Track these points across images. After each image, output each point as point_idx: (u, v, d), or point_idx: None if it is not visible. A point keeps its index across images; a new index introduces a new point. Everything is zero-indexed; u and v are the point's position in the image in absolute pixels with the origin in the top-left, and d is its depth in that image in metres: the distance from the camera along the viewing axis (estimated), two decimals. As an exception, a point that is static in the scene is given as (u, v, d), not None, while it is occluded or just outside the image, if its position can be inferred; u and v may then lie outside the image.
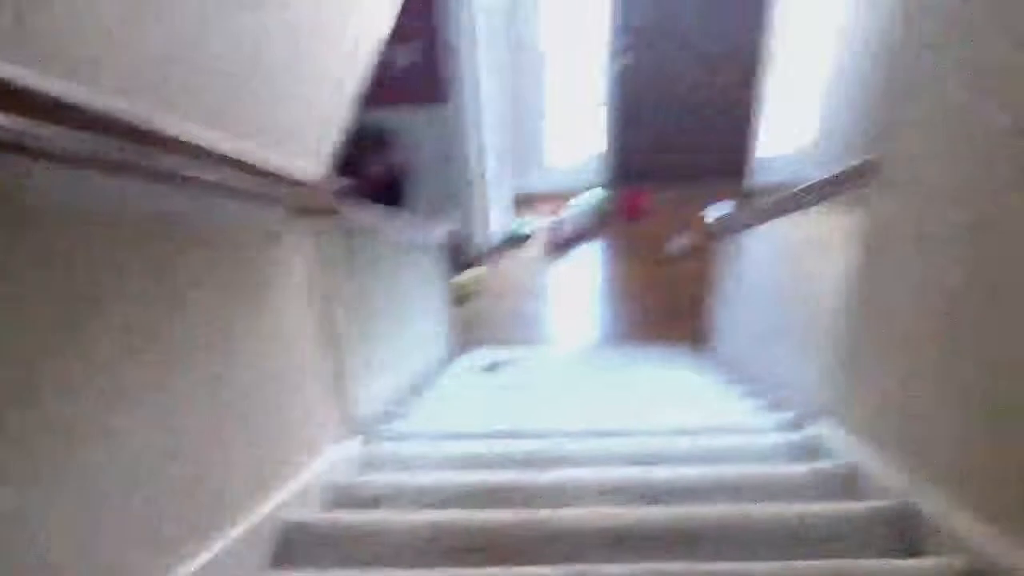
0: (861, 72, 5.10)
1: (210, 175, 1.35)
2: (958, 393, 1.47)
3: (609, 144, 7.55)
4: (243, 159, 1.46)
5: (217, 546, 1.44)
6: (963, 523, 1.42)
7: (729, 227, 4.06)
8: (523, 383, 3.74)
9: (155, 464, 1.26)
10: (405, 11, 4.81)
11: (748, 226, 3.61)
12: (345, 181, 2.14)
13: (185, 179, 1.29)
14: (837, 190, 2.27)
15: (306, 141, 2.03)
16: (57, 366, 1.02)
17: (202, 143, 1.28)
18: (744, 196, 6.81)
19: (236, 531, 1.52)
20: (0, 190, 0.92)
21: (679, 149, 7.50)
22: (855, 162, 2.04)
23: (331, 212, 2.15)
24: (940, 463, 1.54)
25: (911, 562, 1.41)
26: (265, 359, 1.74)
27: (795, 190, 2.71)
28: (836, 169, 2.21)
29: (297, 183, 1.81)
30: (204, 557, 1.38)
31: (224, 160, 1.38)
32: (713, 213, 4.40)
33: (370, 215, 2.71)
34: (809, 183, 2.55)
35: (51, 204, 1.01)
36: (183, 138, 1.22)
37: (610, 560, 1.51)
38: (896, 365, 1.76)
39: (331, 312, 2.17)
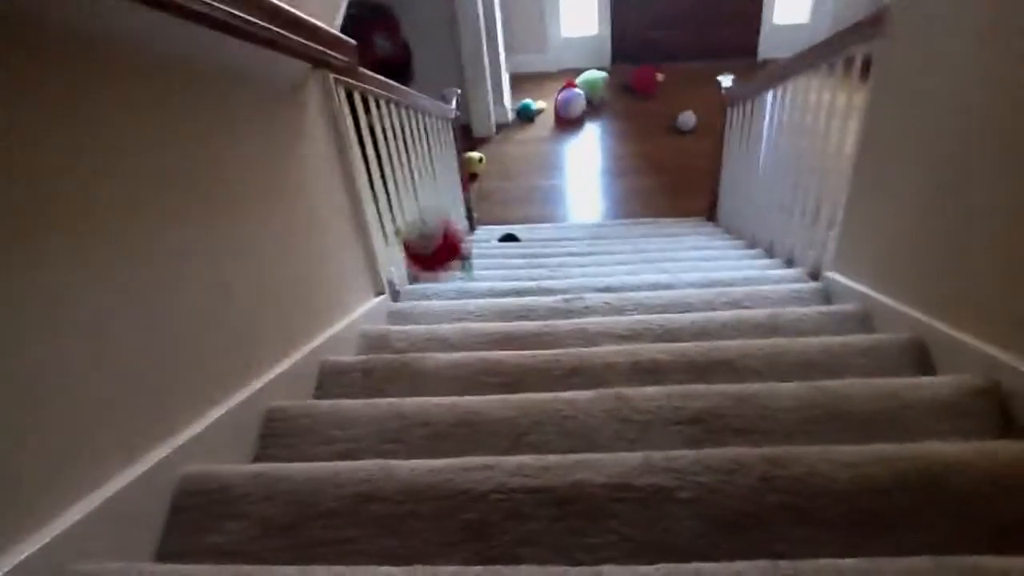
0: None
1: (242, 12, 1.34)
2: (960, 234, 1.51)
3: (613, 21, 7.38)
4: (274, 4, 1.46)
5: (269, 377, 1.53)
6: (971, 345, 1.48)
7: (740, 96, 4.03)
8: (541, 251, 3.79)
9: (214, 306, 1.32)
10: None
11: (759, 93, 3.59)
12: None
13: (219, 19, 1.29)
14: (844, 46, 2.27)
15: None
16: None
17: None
18: (756, 68, 6.71)
19: (282, 367, 1.60)
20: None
21: (683, 26, 7.33)
22: (862, 16, 2.04)
23: (351, 70, 2.15)
24: (945, 296, 1.60)
25: (931, 379, 1.48)
26: (297, 209, 1.78)
27: (805, 49, 2.70)
28: (843, 25, 2.21)
29: (318, 35, 1.80)
30: (256, 385, 1.47)
31: (257, 4, 1.39)
32: (726, 83, 4.38)
33: (385, 82, 2.70)
34: (818, 42, 2.55)
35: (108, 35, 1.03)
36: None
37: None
38: (899, 213, 1.80)
39: (353, 169, 2.20)
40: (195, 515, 1.14)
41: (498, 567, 0.91)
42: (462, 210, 4.69)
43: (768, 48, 7.08)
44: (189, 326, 1.26)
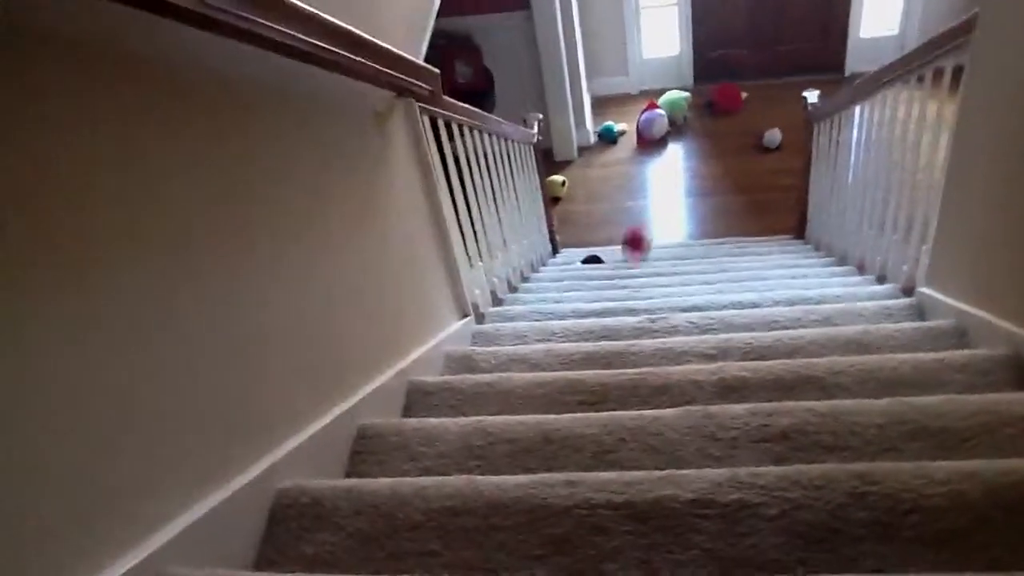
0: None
1: (327, 43, 1.40)
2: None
3: (695, 41, 7.35)
4: (358, 36, 1.52)
5: (361, 395, 1.58)
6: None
7: (827, 111, 3.96)
8: (624, 273, 3.79)
9: (311, 326, 1.38)
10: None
11: (845, 108, 3.53)
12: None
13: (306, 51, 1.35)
14: (933, 57, 2.22)
15: (402, 29, 2.09)
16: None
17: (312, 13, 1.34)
18: (843, 82, 6.57)
19: (373, 386, 1.65)
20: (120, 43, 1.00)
21: (766, 43, 7.24)
22: (955, 23, 1.99)
23: (434, 98, 2.21)
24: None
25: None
26: (386, 233, 1.84)
27: (891, 62, 2.65)
28: (934, 33, 2.16)
29: (403, 65, 1.86)
30: (348, 403, 1.52)
31: (342, 34, 1.45)
32: (811, 98, 4.31)
33: (468, 109, 2.76)
34: (908, 52, 2.50)
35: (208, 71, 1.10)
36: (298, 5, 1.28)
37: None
38: (995, 225, 1.75)
39: (437, 195, 2.25)
40: (290, 527, 1.19)
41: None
42: (545, 234, 4.72)
43: (856, 62, 6.93)
44: (287, 345, 1.31)
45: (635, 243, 4.24)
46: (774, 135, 6.07)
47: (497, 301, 3.01)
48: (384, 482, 1.25)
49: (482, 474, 1.26)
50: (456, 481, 1.21)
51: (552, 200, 5.41)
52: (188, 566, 0.98)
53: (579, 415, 1.51)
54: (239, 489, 1.13)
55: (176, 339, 1.03)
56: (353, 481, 1.29)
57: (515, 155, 3.93)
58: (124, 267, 0.93)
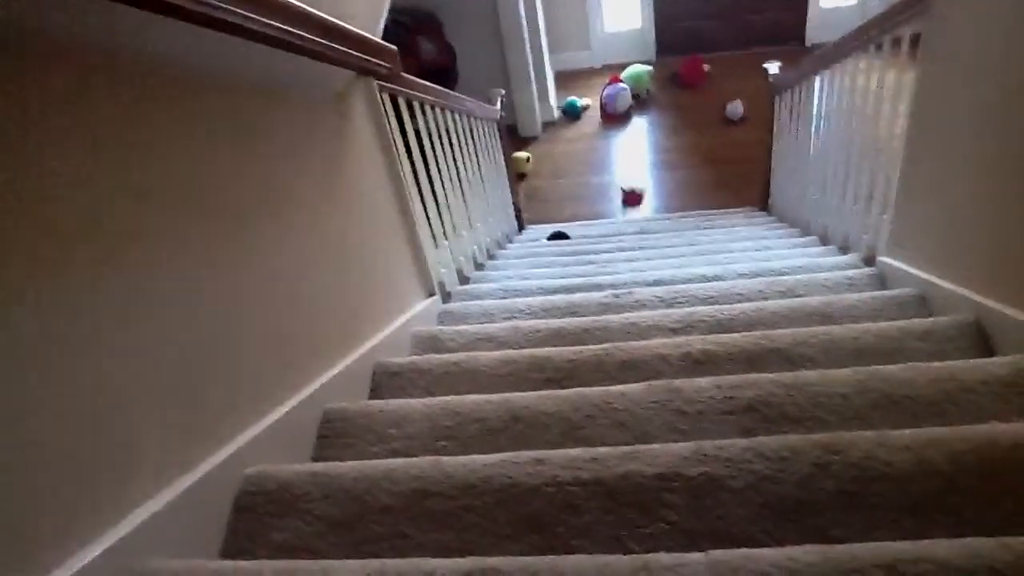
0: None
1: (282, 23, 1.37)
2: (1018, 212, 1.47)
3: (656, 14, 7.33)
4: (325, 20, 1.50)
5: (326, 379, 1.56)
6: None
7: (788, 82, 3.98)
8: (590, 248, 3.78)
9: (273, 311, 1.36)
10: None
11: (806, 79, 3.54)
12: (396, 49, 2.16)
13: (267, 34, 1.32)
14: (890, 25, 2.22)
15: (361, 7, 2.06)
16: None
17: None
18: (804, 53, 6.59)
19: (338, 369, 1.63)
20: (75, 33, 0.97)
21: (727, 14, 7.24)
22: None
23: (394, 76, 2.18)
24: (1003, 276, 1.56)
25: (988, 359, 1.45)
26: (348, 215, 1.82)
27: (850, 31, 2.66)
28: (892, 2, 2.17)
29: (361, 44, 1.83)
30: (313, 387, 1.50)
31: (311, 21, 1.42)
32: (772, 70, 4.33)
33: (428, 86, 2.73)
34: (866, 21, 2.50)
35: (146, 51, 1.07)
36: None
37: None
38: (954, 194, 1.77)
39: (400, 174, 2.23)
40: (257, 514, 1.18)
41: (545, 557, 0.92)
42: (511, 210, 4.70)
43: (816, 32, 6.96)
44: (249, 330, 1.29)
45: (631, 200, 5.27)
46: (736, 107, 6.09)
47: (463, 279, 3.00)
48: (352, 465, 1.24)
49: (451, 455, 1.25)
50: (422, 462, 1.21)
51: (517, 176, 5.40)
52: (153, 555, 0.97)
53: (546, 393, 1.51)
54: (204, 476, 1.11)
55: (153, 328, 1.02)
56: (320, 465, 1.27)
57: (479, 132, 3.91)
58: (113, 263, 0.93)
